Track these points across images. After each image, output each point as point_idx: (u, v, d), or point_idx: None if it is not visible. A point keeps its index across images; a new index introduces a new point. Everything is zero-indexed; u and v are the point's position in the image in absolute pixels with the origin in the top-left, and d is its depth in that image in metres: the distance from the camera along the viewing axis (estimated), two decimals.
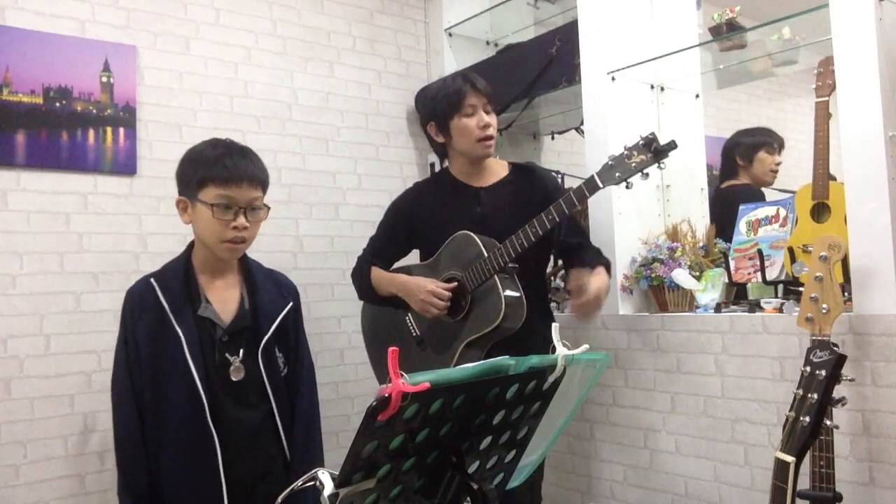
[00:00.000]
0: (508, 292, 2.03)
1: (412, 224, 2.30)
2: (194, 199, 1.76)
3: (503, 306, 2.01)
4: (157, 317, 1.76)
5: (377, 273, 2.31)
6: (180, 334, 1.73)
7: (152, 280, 1.81)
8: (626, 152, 1.90)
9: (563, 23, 2.90)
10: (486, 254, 2.05)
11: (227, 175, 1.73)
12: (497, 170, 2.28)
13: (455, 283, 2.13)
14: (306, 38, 3.08)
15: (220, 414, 1.74)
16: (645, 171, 1.88)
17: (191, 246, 1.87)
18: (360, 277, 2.34)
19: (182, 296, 1.78)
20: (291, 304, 1.90)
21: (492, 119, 2.16)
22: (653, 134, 1.88)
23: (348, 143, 3.17)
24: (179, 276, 1.81)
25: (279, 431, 1.83)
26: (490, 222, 2.16)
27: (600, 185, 1.92)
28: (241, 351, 1.79)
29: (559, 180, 2.33)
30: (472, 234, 2.11)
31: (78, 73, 2.52)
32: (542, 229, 1.97)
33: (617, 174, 1.90)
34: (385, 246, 2.36)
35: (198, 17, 2.81)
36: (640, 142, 1.88)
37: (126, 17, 2.65)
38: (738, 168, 3.10)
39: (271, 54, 2.98)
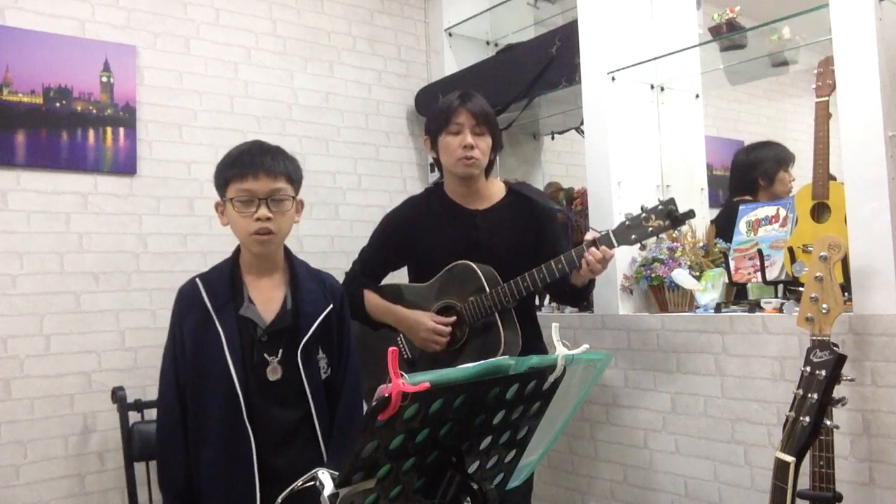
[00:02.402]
0: (508, 332, 2.05)
1: (405, 243, 2.26)
2: (224, 199, 1.81)
3: (502, 346, 2.02)
4: (202, 316, 1.79)
5: (372, 299, 2.25)
6: (221, 333, 1.76)
7: (198, 280, 1.84)
8: (644, 214, 1.90)
9: (563, 23, 2.90)
10: (487, 289, 2.04)
11: (244, 169, 1.76)
12: (493, 192, 2.23)
13: (454, 318, 2.12)
14: (306, 38, 3.08)
15: (256, 413, 1.76)
16: (659, 235, 1.91)
17: (238, 248, 1.90)
18: (352, 300, 2.20)
19: (225, 295, 1.81)
20: (332, 305, 1.89)
21: (479, 141, 2.10)
22: (672, 201, 1.90)
23: (348, 143, 3.17)
24: (225, 276, 1.84)
25: (317, 434, 1.82)
26: (486, 247, 2.14)
27: (615, 244, 1.94)
28: (280, 351, 1.80)
29: (555, 211, 2.29)
30: (472, 264, 2.09)
31: (78, 73, 2.52)
32: (551, 277, 1.98)
33: (633, 236, 1.92)
34: (376, 261, 2.32)
35: (198, 17, 2.81)
36: (659, 206, 1.89)
37: (126, 17, 2.65)
38: (759, 187, 3.04)
39: (271, 54, 2.98)
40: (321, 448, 1.83)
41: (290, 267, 1.90)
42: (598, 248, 1.93)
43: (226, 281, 1.84)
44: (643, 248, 1.93)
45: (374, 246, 2.33)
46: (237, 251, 1.89)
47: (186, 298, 1.84)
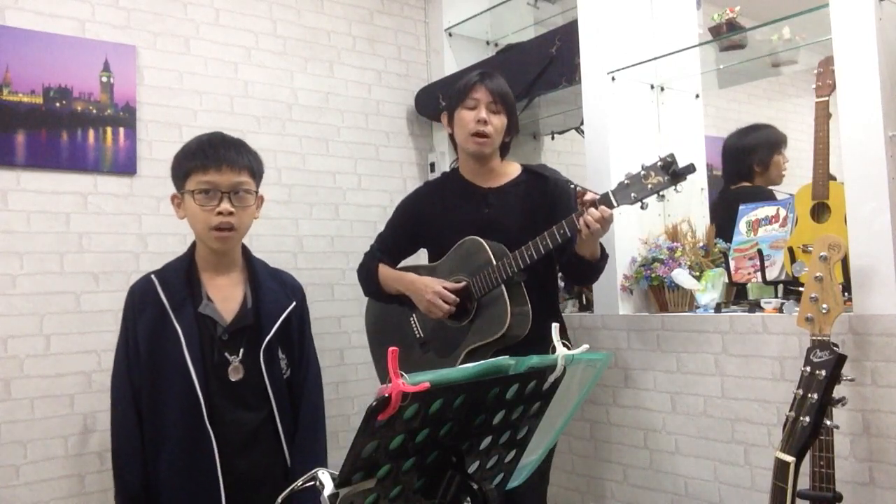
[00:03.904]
0: (515, 303, 2.01)
1: (419, 224, 2.28)
2: (182, 191, 1.75)
3: (508, 317, 1.99)
4: (158, 314, 1.74)
5: (385, 270, 2.28)
6: (179, 332, 1.71)
7: (153, 277, 1.79)
8: (643, 172, 1.85)
9: (563, 23, 2.90)
10: (494, 262, 2.03)
11: (206, 161, 1.71)
12: (507, 171, 2.23)
13: (462, 284, 2.10)
14: (306, 38, 3.08)
15: (217, 414, 1.72)
16: (661, 192, 1.86)
17: (195, 244, 1.85)
18: (367, 274, 2.31)
19: (183, 293, 1.76)
20: (294, 303, 1.87)
21: (494, 119, 2.11)
22: (671, 156, 1.84)
23: (348, 143, 3.17)
24: (181, 274, 1.79)
25: (280, 436, 1.80)
26: (497, 225, 2.13)
27: (615, 203, 1.89)
28: (241, 350, 1.76)
29: (571, 188, 2.27)
30: (481, 240, 2.08)
31: (78, 73, 2.52)
32: (553, 242, 1.94)
33: (633, 194, 1.87)
34: (392, 244, 2.34)
35: (198, 17, 2.81)
36: (659, 162, 1.84)
37: (126, 17, 2.65)
38: (754, 173, 3.00)
39: (271, 54, 2.98)
40: (284, 450, 1.80)
41: (248, 265, 1.87)
42: (596, 209, 1.88)
43: (182, 278, 1.78)
44: (643, 207, 1.88)
45: (390, 227, 2.36)
46: (192, 247, 1.84)
47: (140, 296, 1.78)
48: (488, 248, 2.06)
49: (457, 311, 2.12)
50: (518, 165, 2.27)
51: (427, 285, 2.13)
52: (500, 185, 2.20)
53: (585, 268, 2.08)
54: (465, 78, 2.18)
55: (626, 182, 1.89)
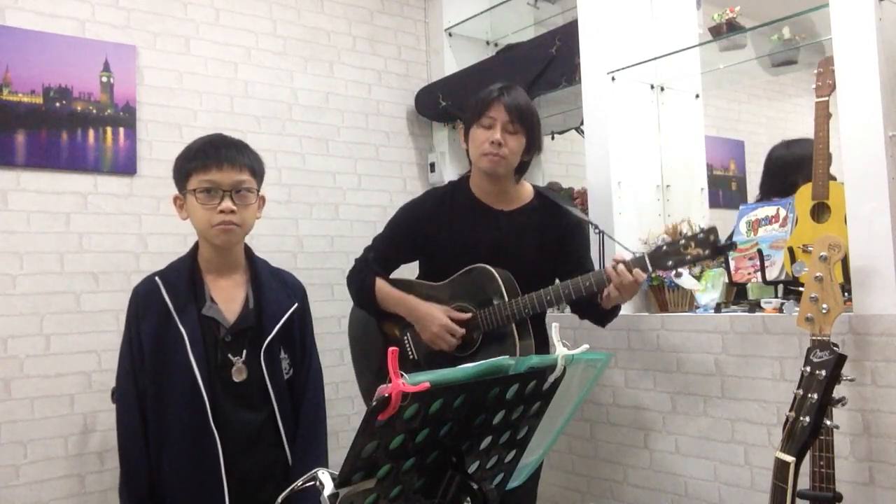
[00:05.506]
0: (524, 341, 1.97)
1: (423, 237, 2.15)
2: (184, 191, 1.76)
3: (518, 356, 1.91)
4: (162, 315, 1.74)
5: (383, 287, 2.14)
6: (183, 333, 1.72)
7: (157, 278, 1.79)
8: (682, 241, 1.81)
9: (563, 23, 2.90)
10: (507, 298, 1.96)
11: (207, 160, 1.72)
12: (520, 195, 2.13)
13: (469, 315, 2.03)
14: (306, 38, 3.08)
15: (221, 415, 1.72)
16: (697, 263, 1.82)
17: (196, 245, 1.85)
18: (361, 286, 2.17)
19: (186, 294, 1.76)
20: (297, 304, 1.86)
21: (510, 139, 1.98)
22: (714, 231, 1.80)
23: (348, 143, 3.17)
24: (184, 275, 1.80)
25: (281, 436, 1.80)
26: (507, 251, 2.06)
27: (650, 268, 1.85)
28: (245, 351, 1.77)
29: (583, 223, 2.21)
30: (492, 270, 1.99)
31: (78, 73, 2.52)
32: (577, 295, 1.90)
33: (670, 262, 1.83)
34: (389, 251, 2.21)
35: (198, 17, 2.81)
36: (700, 234, 1.80)
37: (126, 17, 2.65)
38: (797, 190, 2.94)
39: (271, 54, 2.98)
40: (286, 450, 1.80)
41: (250, 266, 1.86)
42: (629, 270, 1.82)
43: (185, 279, 1.78)
44: (678, 275, 1.87)
45: (390, 236, 2.23)
46: (195, 249, 1.84)
47: (144, 298, 1.78)
48: (500, 282, 1.98)
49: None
50: (530, 188, 2.17)
51: (434, 316, 2.03)
52: (513, 209, 2.11)
53: (600, 315, 2.06)
54: (484, 92, 2.04)
55: (664, 248, 1.85)
